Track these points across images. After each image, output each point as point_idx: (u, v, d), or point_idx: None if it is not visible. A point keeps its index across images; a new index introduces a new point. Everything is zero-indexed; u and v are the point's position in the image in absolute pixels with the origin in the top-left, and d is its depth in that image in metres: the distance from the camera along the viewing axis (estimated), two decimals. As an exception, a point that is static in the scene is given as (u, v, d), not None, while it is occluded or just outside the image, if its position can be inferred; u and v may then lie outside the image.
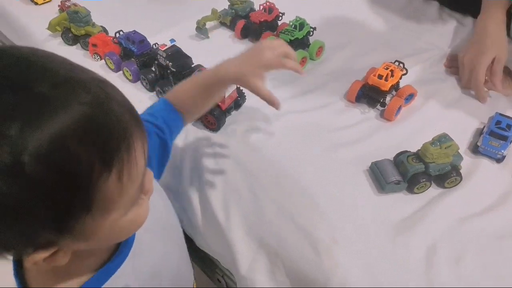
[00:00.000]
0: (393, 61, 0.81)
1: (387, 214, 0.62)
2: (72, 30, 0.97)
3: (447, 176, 0.65)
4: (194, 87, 0.62)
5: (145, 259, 0.48)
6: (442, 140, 0.64)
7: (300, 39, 0.91)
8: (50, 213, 0.30)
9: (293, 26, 0.91)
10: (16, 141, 0.27)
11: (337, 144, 0.73)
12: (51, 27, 1.00)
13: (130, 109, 0.35)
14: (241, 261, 0.62)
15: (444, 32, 1.02)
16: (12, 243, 0.33)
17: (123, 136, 0.32)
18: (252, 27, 0.99)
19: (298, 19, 0.91)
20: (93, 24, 0.98)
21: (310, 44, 0.93)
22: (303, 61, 0.90)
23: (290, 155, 0.71)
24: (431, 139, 0.65)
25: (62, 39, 1.00)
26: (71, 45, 1.00)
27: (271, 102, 0.58)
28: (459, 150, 0.66)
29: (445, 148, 0.63)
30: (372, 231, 0.60)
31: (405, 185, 0.64)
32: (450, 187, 0.66)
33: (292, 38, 0.89)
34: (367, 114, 0.80)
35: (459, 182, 0.66)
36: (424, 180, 0.64)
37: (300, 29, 0.90)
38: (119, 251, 0.45)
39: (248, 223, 0.64)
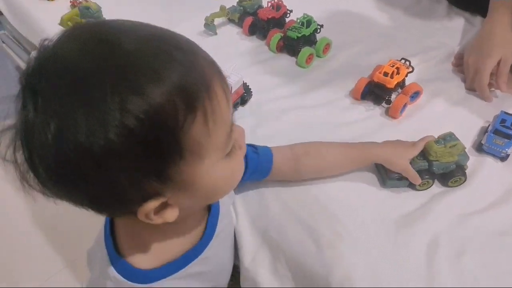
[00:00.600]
0: (399, 59, 0.82)
1: (390, 210, 0.63)
2: (83, 25, 0.99)
3: (451, 175, 0.65)
4: (346, 158, 0.65)
5: (217, 251, 0.53)
6: (447, 139, 0.64)
7: (307, 36, 0.92)
8: (150, 161, 0.33)
9: (300, 23, 0.91)
10: (120, 105, 0.31)
11: (342, 140, 0.73)
12: (63, 22, 1.02)
13: (212, 61, 0.39)
14: (246, 253, 0.63)
15: (452, 31, 1.02)
16: (125, 193, 0.35)
17: (205, 84, 0.35)
18: (260, 24, 1.00)
19: (305, 16, 0.92)
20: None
21: (317, 41, 0.94)
22: (309, 58, 0.91)
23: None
24: (436, 137, 0.65)
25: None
26: (82, 40, 1.01)
27: (415, 180, 0.64)
28: (466, 150, 0.66)
29: (450, 147, 0.63)
30: (374, 226, 0.61)
31: (407, 181, 0.65)
32: (454, 186, 0.66)
33: (299, 35, 0.90)
34: (372, 111, 0.81)
35: (463, 182, 0.66)
36: (427, 177, 0.64)
37: (308, 26, 0.91)
38: (202, 238, 0.50)
39: (252, 216, 0.65)
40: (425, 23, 1.06)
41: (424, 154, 0.65)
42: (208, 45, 0.98)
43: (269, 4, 1.02)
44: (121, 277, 0.43)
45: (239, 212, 0.66)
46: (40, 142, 0.32)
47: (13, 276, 1.17)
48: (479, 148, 0.72)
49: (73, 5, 1.10)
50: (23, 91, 0.32)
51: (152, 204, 0.37)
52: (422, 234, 0.59)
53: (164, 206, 0.38)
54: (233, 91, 0.74)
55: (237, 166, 0.44)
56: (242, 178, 0.61)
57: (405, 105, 0.78)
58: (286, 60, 0.94)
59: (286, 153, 0.64)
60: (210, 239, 0.50)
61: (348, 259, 0.57)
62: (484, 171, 0.69)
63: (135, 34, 0.34)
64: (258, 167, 0.62)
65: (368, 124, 0.78)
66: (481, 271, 0.56)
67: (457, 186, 0.66)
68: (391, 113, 0.78)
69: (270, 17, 0.98)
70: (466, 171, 0.66)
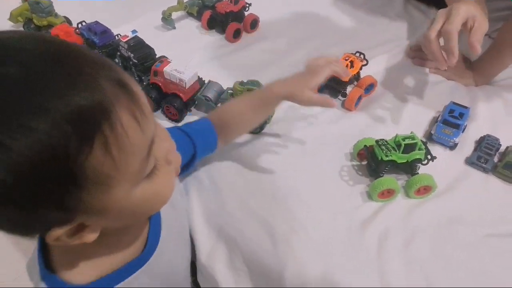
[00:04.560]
0: (354, 52, 0.82)
1: (345, 205, 0.64)
2: (34, 20, 0.95)
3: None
4: (248, 105, 0.66)
5: (167, 257, 0.51)
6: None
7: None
8: (45, 194, 0.31)
9: None
10: (6, 144, 0.28)
11: (300, 133, 0.74)
12: (13, 17, 0.98)
13: (118, 81, 0.33)
14: (201, 249, 0.63)
15: (407, 24, 1.04)
16: (27, 224, 0.33)
17: (104, 110, 0.31)
18: (218, 17, 0.99)
19: None
20: (56, 15, 0.96)
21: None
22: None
23: (251, 144, 0.72)
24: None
25: (24, 30, 0.98)
26: (34, 36, 0.98)
27: (327, 104, 0.66)
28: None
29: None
30: (330, 222, 0.61)
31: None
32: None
33: None
34: (329, 104, 0.81)
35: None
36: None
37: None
38: (147, 246, 0.47)
39: (207, 212, 0.65)
40: (381, 17, 1.07)
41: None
42: (166, 40, 0.98)
43: (228, -3, 1.00)
44: None
45: (193, 208, 0.65)
46: None
47: None
48: (429, 138, 0.74)
49: (23, 0, 1.06)
50: None
51: (58, 232, 0.34)
52: (375, 227, 0.61)
53: (81, 228, 0.36)
54: (187, 87, 0.73)
55: (163, 183, 0.40)
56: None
57: (360, 97, 0.79)
58: (247, 54, 0.94)
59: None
60: (155, 247, 0.48)
61: (301, 252, 0.58)
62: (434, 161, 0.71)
63: (17, 58, 0.30)
64: (207, 143, 0.64)
65: (325, 116, 0.78)
66: (429, 259, 0.57)
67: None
68: (346, 105, 0.79)
69: (228, 10, 0.97)
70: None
